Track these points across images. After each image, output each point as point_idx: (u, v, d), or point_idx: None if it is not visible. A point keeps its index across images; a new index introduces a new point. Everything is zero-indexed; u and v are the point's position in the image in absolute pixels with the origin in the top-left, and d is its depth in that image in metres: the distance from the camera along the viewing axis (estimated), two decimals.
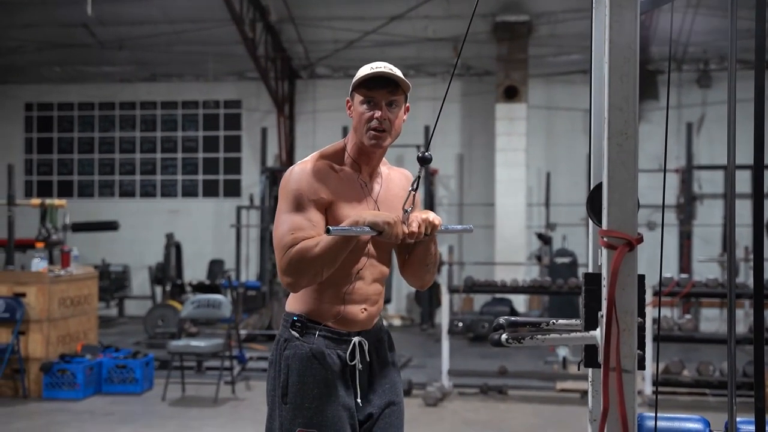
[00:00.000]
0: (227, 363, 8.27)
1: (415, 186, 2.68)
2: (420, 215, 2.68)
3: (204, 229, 14.90)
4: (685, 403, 7.72)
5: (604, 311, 1.90)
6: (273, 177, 13.38)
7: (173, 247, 13.22)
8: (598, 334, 1.95)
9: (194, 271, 14.10)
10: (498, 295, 12.23)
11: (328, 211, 2.74)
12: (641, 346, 1.95)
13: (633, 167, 1.92)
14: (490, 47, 13.67)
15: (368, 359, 2.86)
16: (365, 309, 2.84)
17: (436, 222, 2.70)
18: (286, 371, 2.78)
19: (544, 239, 12.89)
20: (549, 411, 7.49)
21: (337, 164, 2.82)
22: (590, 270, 2.29)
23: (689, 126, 13.23)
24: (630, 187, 1.93)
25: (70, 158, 15.61)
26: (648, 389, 7.77)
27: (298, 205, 2.71)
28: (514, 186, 13.33)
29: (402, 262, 2.96)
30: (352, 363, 2.82)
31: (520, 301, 13.00)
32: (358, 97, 2.77)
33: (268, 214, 12.88)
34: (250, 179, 14.83)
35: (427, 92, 14.31)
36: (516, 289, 8.30)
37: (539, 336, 1.98)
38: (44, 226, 9.40)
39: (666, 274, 8.19)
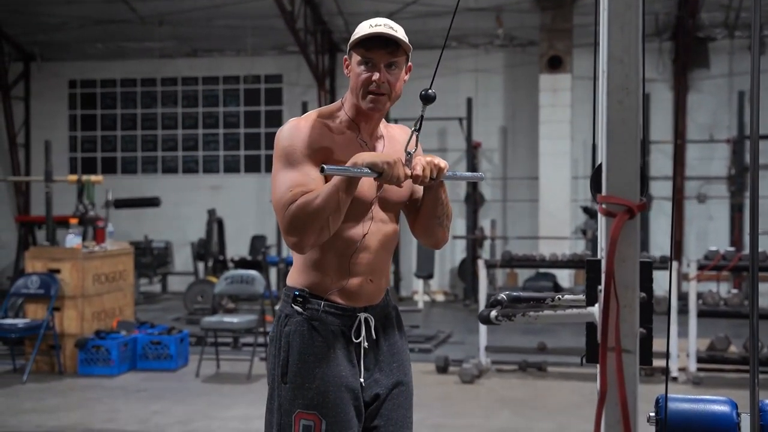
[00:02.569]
0: (261, 339, 8.20)
1: (417, 126, 2.52)
2: (425, 158, 2.52)
3: (246, 205, 14.87)
4: (731, 381, 7.46)
5: (602, 285, 1.72)
6: None
7: (215, 223, 13.20)
8: (596, 310, 1.77)
9: (237, 246, 14.08)
10: (542, 270, 12.01)
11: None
12: (646, 323, 1.77)
13: (635, 126, 1.74)
14: (534, 16, 13.36)
15: (374, 336, 2.71)
16: (371, 280, 2.68)
17: (442, 165, 2.53)
18: (287, 349, 2.63)
19: (590, 213, 12.62)
20: (589, 389, 7.29)
21: (334, 124, 2.66)
22: (600, 254, 2.11)
23: (741, 94, 12.80)
24: (631, 149, 1.74)
25: (113, 135, 15.67)
26: (693, 366, 7.53)
27: (293, 162, 2.55)
28: (558, 159, 13.06)
29: (412, 220, 2.79)
30: (358, 340, 2.67)
31: (564, 276, 12.76)
32: (356, 57, 2.61)
33: None
34: None
35: (469, 64, 14.07)
36: (555, 263, 8.07)
37: (531, 313, 1.80)
38: (81, 203, 9.41)
39: (713, 248, 7.90)
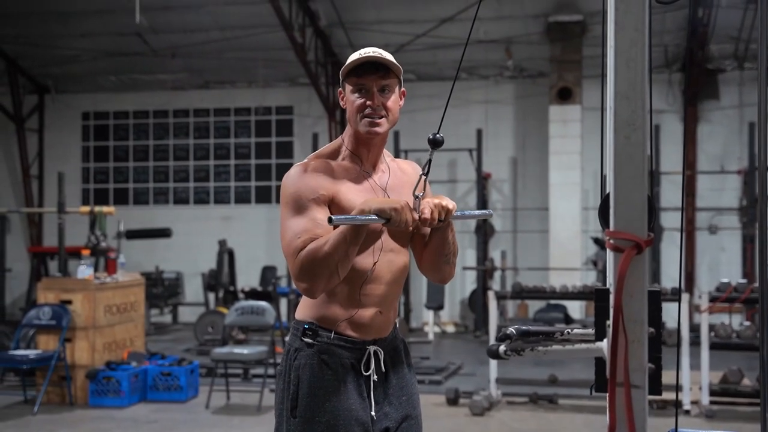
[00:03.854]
0: (272, 371, 8.19)
1: (425, 170, 2.54)
2: (432, 200, 2.53)
3: (257, 236, 14.90)
4: (744, 414, 7.40)
5: (610, 320, 1.73)
6: None
7: (226, 254, 13.21)
8: (604, 345, 1.77)
9: (247, 277, 14.10)
10: (552, 302, 11.97)
11: (332, 205, 2.61)
12: (655, 359, 1.77)
13: (641, 162, 1.75)
14: (543, 48, 13.43)
15: (384, 370, 2.72)
16: (380, 312, 2.69)
17: (450, 206, 2.54)
18: (296, 382, 2.64)
19: (601, 244, 12.58)
20: (601, 421, 7.23)
21: (335, 160, 2.69)
22: (609, 283, 2.11)
23: (751, 126, 12.80)
24: (638, 184, 1.75)
25: (125, 166, 15.76)
26: (705, 399, 7.47)
27: (300, 208, 2.58)
28: (568, 189, 13.07)
29: (419, 256, 2.80)
30: (367, 373, 2.68)
31: (575, 307, 12.72)
32: (348, 87, 2.66)
33: None
34: None
35: (479, 95, 14.13)
36: (566, 295, 8.05)
37: (540, 348, 1.80)
38: (93, 234, 9.46)
39: (725, 279, 7.87)
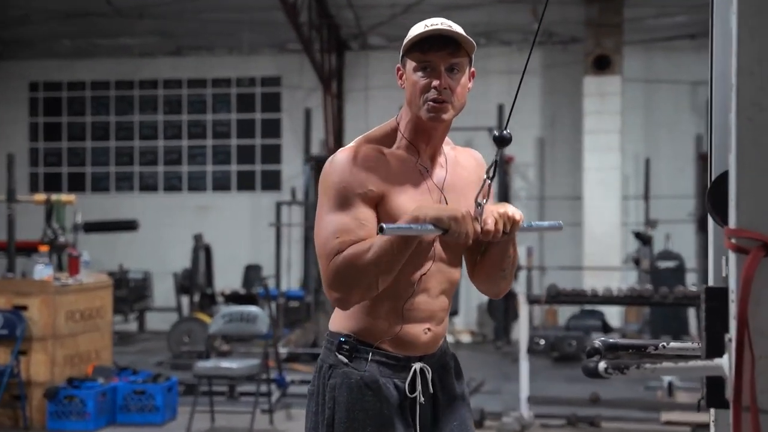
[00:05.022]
0: (264, 388, 8.20)
1: (491, 173, 2.55)
2: (497, 209, 2.54)
3: (238, 229, 14.90)
4: None
5: (733, 334, 1.73)
6: (318, 167, 13.28)
7: (202, 251, 13.22)
8: (724, 363, 1.78)
9: (227, 278, 14.09)
10: (587, 307, 12.02)
11: (380, 205, 2.60)
12: None
13: None
14: (577, 9, 13.41)
15: (431, 390, 2.73)
16: (429, 329, 2.71)
17: (517, 217, 2.55)
18: (332, 405, 2.66)
19: (643, 239, 12.64)
20: None
21: (389, 149, 2.68)
22: (711, 282, 2.11)
23: None
24: (765, 173, 1.75)
25: (82, 147, 15.75)
26: None
27: (343, 202, 2.58)
28: (606, 175, 13.09)
29: (472, 266, 2.82)
30: (413, 395, 2.69)
31: (613, 314, 12.77)
32: (411, 63, 2.65)
33: (314, 211, 12.78)
34: (292, 170, 14.79)
35: (500, 65, 14.11)
36: (610, 299, 8.07)
37: (647, 365, 1.81)
38: (50, 226, 9.44)
39: None
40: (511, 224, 2.54)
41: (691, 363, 1.85)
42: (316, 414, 2.70)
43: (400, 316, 2.66)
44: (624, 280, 12.92)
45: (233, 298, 12.43)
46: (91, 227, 12.76)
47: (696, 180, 13.69)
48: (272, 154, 15.19)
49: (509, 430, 7.45)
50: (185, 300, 13.69)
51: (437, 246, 2.68)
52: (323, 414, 2.67)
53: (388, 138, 2.72)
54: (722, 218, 1.93)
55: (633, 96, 13.66)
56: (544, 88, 14.31)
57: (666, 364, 1.82)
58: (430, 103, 2.60)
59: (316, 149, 14.23)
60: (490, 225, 2.51)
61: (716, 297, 1.86)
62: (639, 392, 9.12)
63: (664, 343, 2.19)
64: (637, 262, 12.79)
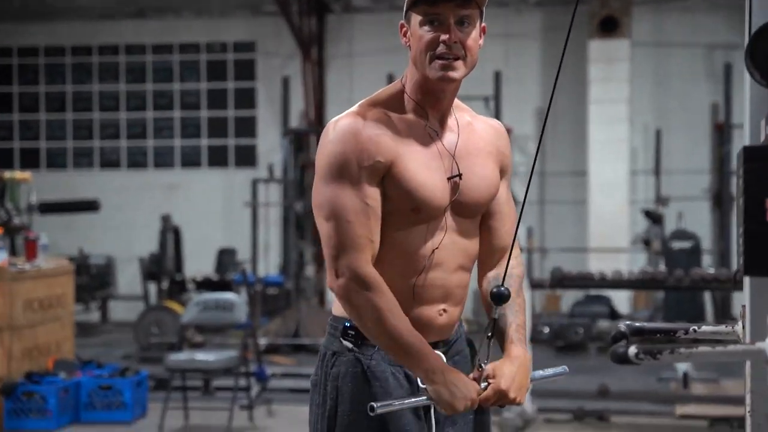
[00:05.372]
0: (243, 382, 8.22)
1: (490, 332, 2.60)
2: (500, 384, 2.57)
3: (210, 210, 14.90)
4: None
5: None
6: (298, 141, 13.30)
7: (170, 233, 13.20)
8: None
9: (198, 263, 14.07)
10: (593, 292, 12.06)
11: (388, 174, 2.59)
12: None
13: None
14: None
15: None
16: (444, 310, 2.70)
17: (517, 402, 2.61)
18: (335, 395, 2.66)
19: (654, 218, 12.68)
20: None
21: (395, 112, 2.67)
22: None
23: None
24: None
25: (35, 119, 15.69)
26: None
27: (350, 175, 2.56)
28: (613, 148, 13.13)
29: (482, 269, 2.86)
30: (425, 386, 2.67)
31: (621, 299, 12.81)
32: (416, 18, 2.62)
33: (293, 189, 12.80)
34: (269, 144, 14.77)
35: (497, 27, 14.08)
36: (620, 283, 8.11)
37: (682, 350, 1.82)
38: (3, 207, 9.42)
39: None
40: (507, 404, 2.60)
41: (731, 347, 1.86)
42: (318, 406, 2.70)
43: (410, 295, 2.64)
44: (632, 263, 12.96)
45: (205, 285, 12.42)
46: (48, 208, 12.66)
47: (711, 153, 13.71)
48: (246, 127, 15.16)
49: (511, 426, 7.47)
50: (152, 287, 13.67)
51: (449, 218, 2.67)
52: (325, 405, 2.67)
53: (394, 100, 2.69)
54: (762, 74, 1.92)
55: (642, 61, 13.67)
56: (544, 55, 14.32)
57: (703, 349, 1.82)
58: (439, 60, 2.58)
59: (294, 122, 14.20)
60: (486, 401, 2.58)
61: (757, 156, 1.85)
62: (651, 384, 9.17)
63: (695, 327, 2.20)
64: (646, 243, 12.83)
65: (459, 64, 2.60)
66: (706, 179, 13.82)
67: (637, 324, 2.22)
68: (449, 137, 2.71)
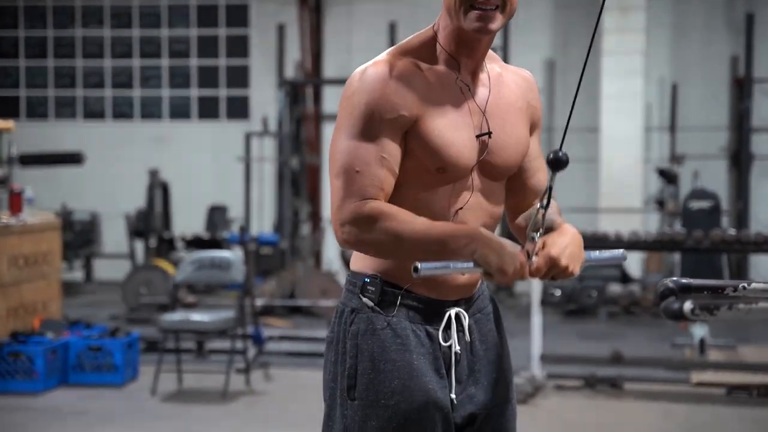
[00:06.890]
0: (239, 344, 8.27)
1: (545, 200, 2.54)
2: (551, 251, 2.52)
3: (200, 164, 14.89)
4: None
5: None
6: (294, 93, 13.28)
7: (159, 189, 13.22)
8: None
9: (188, 220, 14.09)
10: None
11: (413, 129, 2.59)
12: None
13: None
14: None
15: (468, 338, 2.76)
16: None
17: (569, 272, 2.54)
18: (354, 353, 2.68)
19: (668, 177, 12.69)
20: (682, 412, 7.40)
21: (426, 62, 2.66)
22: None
23: None
24: None
25: (14, 65, 15.65)
26: None
27: (370, 128, 2.57)
28: (627, 103, 13.10)
29: (513, 214, 2.87)
30: (447, 344, 2.72)
31: (632, 262, 12.84)
32: None
33: (288, 144, 12.78)
34: (263, 95, 14.76)
35: None
36: (636, 244, 8.12)
37: (741, 306, 1.85)
38: None
39: None
40: (561, 275, 2.55)
41: None
42: (335, 364, 2.72)
43: None
44: (645, 224, 13.00)
45: (195, 244, 12.48)
46: (29, 160, 12.64)
47: (730, 109, 13.68)
48: (239, 77, 15.13)
49: (521, 392, 7.51)
50: (139, 245, 13.72)
51: (475, 178, 2.69)
52: (344, 364, 2.69)
53: (426, 49, 2.68)
54: None
55: (659, 10, 13.62)
56: (555, 2, 14.27)
57: (763, 304, 1.85)
58: (476, 10, 2.57)
59: (290, 72, 14.16)
60: (538, 272, 2.51)
61: None
62: (665, 350, 9.23)
63: (745, 284, 2.23)
64: (660, 203, 12.86)
65: (497, 15, 2.58)
66: (723, 137, 13.79)
67: (683, 281, 2.24)
68: (481, 92, 2.71)
